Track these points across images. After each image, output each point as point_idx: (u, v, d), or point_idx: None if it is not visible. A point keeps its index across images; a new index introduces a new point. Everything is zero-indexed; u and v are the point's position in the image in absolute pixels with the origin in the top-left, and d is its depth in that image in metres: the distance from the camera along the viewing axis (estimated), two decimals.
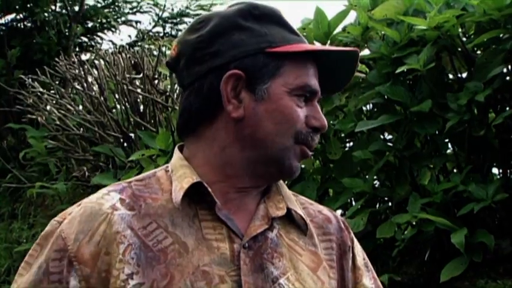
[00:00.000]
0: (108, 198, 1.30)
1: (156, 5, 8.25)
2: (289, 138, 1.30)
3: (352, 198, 3.70)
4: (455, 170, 3.51)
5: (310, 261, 1.34)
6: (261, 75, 1.30)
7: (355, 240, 1.46)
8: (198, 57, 1.32)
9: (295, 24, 3.82)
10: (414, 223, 3.36)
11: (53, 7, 7.68)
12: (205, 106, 1.31)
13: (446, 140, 3.48)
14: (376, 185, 3.69)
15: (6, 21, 7.71)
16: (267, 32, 1.32)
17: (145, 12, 8.35)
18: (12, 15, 7.71)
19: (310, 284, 1.31)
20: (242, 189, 1.33)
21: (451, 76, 3.55)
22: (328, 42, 3.74)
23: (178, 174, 1.31)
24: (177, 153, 1.36)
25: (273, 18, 1.34)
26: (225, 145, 1.31)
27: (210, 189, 1.28)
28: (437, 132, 3.42)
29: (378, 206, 3.70)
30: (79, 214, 1.29)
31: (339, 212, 3.74)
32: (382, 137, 3.70)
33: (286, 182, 3.85)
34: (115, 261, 1.24)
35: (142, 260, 1.25)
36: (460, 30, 3.37)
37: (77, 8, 7.74)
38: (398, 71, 3.27)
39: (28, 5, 7.45)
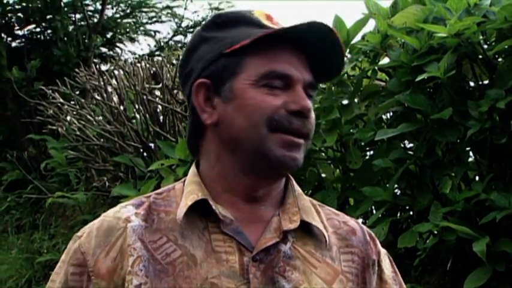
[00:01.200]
0: (125, 211, 1.33)
1: (174, 15, 8.27)
2: (262, 127, 1.28)
3: (373, 207, 3.68)
4: (477, 178, 3.48)
5: (325, 274, 1.32)
6: (223, 77, 1.31)
7: (383, 253, 1.44)
8: (182, 80, 1.39)
9: None
10: (436, 232, 3.32)
11: (73, 18, 7.73)
12: (195, 122, 1.35)
13: (468, 148, 3.45)
14: (397, 194, 3.66)
15: (26, 32, 7.78)
16: (228, 36, 1.33)
17: (164, 22, 8.38)
18: (32, 27, 7.76)
19: None
20: (248, 197, 1.32)
21: (472, 83, 3.51)
22: (348, 50, 3.73)
23: (187, 191, 1.33)
24: (192, 168, 1.38)
25: (239, 20, 1.35)
26: (218, 154, 1.33)
27: (214, 206, 1.29)
28: (458, 141, 3.39)
29: (398, 214, 3.68)
30: (96, 228, 1.32)
31: (359, 220, 3.71)
32: (402, 145, 3.67)
33: (306, 191, 3.85)
34: (124, 273, 1.26)
35: (151, 272, 1.26)
36: (480, 37, 3.35)
37: (96, 20, 7.79)
38: (418, 79, 3.24)
39: (47, 17, 7.50)
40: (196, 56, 1.35)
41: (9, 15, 7.51)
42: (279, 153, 1.28)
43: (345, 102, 3.72)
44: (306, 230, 1.34)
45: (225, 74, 1.31)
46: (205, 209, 1.30)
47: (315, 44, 1.31)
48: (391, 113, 3.71)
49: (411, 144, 3.68)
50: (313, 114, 1.33)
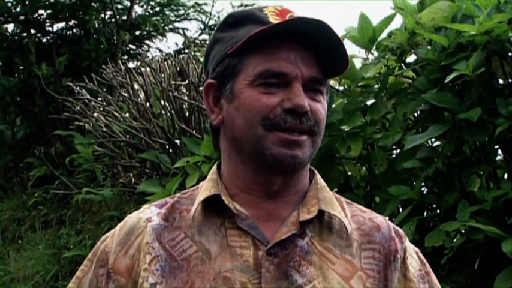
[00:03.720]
0: (147, 211, 1.36)
1: (202, 12, 8.28)
2: (258, 126, 1.29)
3: (400, 206, 3.65)
4: (505, 177, 3.44)
5: (343, 270, 1.32)
6: (226, 78, 1.33)
7: (411, 251, 1.41)
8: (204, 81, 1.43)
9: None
10: (463, 231, 3.29)
11: (102, 15, 7.76)
12: (211, 121, 1.39)
13: (496, 147, 3.41)
14: (424, 192, 3.63)
15: (56, 29, 7.83)
16: (235, 35, 1.33)
17: (192, 19, 8.38)
18: (62, 24, 7.81)
19: None
20: (263, 194, 1.33)
21: (501, 81, 3.48)
22: (374, 47, 3.70)
23: (203, 187, 1.35)
24: (214, 166, 1.40)
25: (247, 18, 1.35)
26: (229, 153, 1.36)
27: (227, 201, 1.31)
28: (486, 139, 3.35)
29: (425, 213, 3.64)
30: (120, 228, 1.37)
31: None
32: (428, 143, 3.63)
33: (331, 190, 3.82)
34: (140, 270, 1.29)
35: (167, 271, 1.28)
36: (510, 34, 3.30)
37: (125, 17, 7.81)
38: (448, 79, 3.19)
39: (77, 13, 7.54)
40: (211, 58, 1.37)
41: (39, 11, 7.55)
42: (275, 151, 1.29)
43: (369, 102, 3.69)
44: (326, 225, 1.34)
45: (227, 74, 1.33)
46: (222, 206, 1.31)
47: (315, 38, 1.30)
48: (418, 112, 3.67)
49: (438, 142, 3.64)
50: (318, 109, 1.32)
